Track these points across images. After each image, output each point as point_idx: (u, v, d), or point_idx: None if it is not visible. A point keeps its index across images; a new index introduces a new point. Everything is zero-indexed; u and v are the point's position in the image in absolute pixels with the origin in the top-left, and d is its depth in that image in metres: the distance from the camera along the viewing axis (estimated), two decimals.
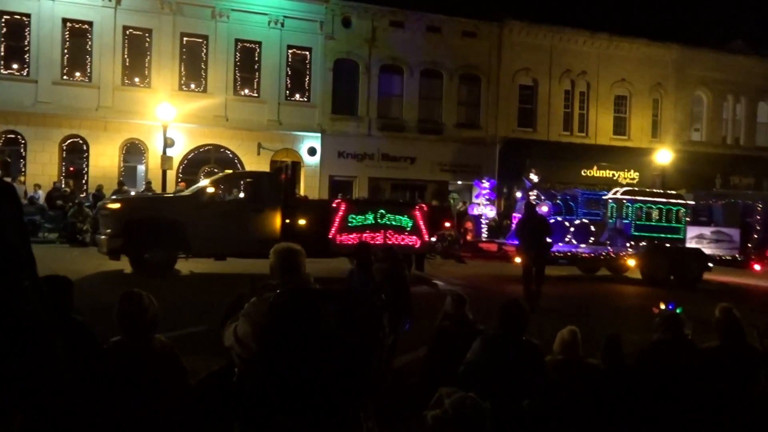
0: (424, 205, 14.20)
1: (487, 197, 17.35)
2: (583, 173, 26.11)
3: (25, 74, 21.25)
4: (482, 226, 17.02)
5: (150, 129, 21.65)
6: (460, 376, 3.75)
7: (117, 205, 12.59)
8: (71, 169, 22.01)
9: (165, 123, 20.21)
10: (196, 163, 23.03)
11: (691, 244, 15.64)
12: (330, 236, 12.88)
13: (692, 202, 16.62)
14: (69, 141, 21.78)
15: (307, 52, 24.44)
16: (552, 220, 15.19)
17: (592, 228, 15.76)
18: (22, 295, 1.49)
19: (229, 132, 23.13)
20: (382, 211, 13.29)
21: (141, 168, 22.81)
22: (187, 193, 14.25)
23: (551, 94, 27.63)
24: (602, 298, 12.89)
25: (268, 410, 2.88)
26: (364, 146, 25.02)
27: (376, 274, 5.80)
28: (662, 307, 4.07)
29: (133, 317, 3.25)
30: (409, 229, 13.33)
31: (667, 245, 15.31)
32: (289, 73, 24.27)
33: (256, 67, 23.81)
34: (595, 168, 26.93)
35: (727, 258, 15.76)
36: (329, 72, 24.61)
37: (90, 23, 21.75)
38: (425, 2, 25.07)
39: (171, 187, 20.11)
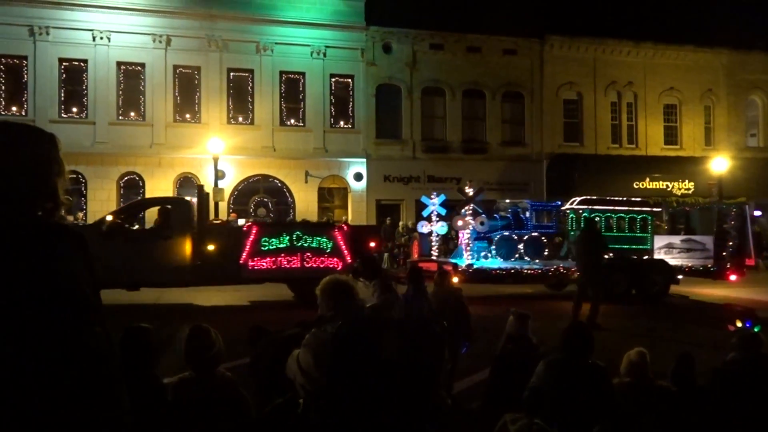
0: (344, 225, 13.63)
1: (437, 213, 15.98)
2: (635, 185, 25.35)
3: (83, 117, 22.30)
4: (432, 244, 15.67)
5: (201, 162, 22.32)
6: (525, 401, 3.66)
7: None
8: None
9: (215, 156, 20.81)
10: (246, 193, 23.56)
11: (660, 254, 14.41)
12: (241, 261, 12.23)
13: (659, 209, 15.42)
14: (126, 178, 22.66)
15: (350, 80, 24.81)
16: (498, 236, 14.44)
17: (544, 241, 14.61)
18: (90, 340, 1.53)
19: (277, 162, 23.61)
20: (299, 233, 12.73)
21: (194, 201, 23.40)
22: (89, 223, 13.79)
23: (597, 107, 27.16)
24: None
25: None
26: (409, 169, 25.10)
27: (432, 299, 5.75)
28: (739, 325, 3.89)
29: (202, 352, 3.29)
30: (329, 250, 12.69)
31: (633, 257, 14.09)
32: (333, 101, 24.66)
33: (300, 97, 24.32)
34: (647, 180, 26.14)
35: (699, 268, 14.50)
36: (372, 98, 24.90)
37: (142, 65, 22.70)
38: (464, 23, 25.16)
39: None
